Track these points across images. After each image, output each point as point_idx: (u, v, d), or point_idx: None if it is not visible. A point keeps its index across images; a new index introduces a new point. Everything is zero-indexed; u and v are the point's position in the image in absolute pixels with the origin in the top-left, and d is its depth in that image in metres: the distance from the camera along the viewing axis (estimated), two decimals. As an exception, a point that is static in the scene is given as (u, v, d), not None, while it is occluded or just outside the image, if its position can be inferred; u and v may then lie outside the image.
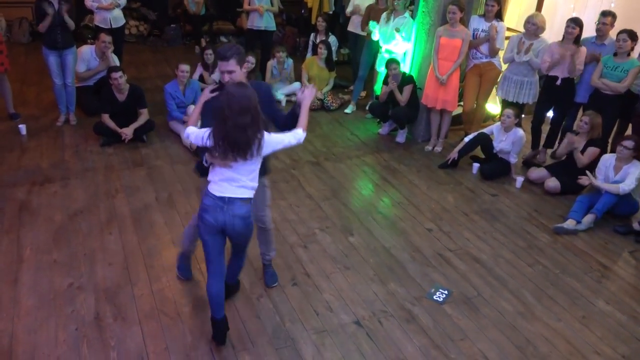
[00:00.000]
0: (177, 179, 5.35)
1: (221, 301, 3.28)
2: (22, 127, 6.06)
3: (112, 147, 5.91)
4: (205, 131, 2.98)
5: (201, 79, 7.06)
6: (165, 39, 10.31)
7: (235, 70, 3.17)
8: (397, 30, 6.50)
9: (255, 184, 3.13)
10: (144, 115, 6.06)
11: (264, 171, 3.30)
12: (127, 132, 5.88)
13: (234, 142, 2.89)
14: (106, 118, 5.90)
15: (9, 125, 6.22)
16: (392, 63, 6.35)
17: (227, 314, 3.61)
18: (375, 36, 6.83)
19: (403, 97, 6.38)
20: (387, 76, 6.51)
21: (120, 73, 5.80)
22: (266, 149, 3.02)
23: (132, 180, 5.27)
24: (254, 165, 3.07)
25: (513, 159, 5.77)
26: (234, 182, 3.04)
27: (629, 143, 4.95)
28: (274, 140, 3.06)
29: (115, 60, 6.69)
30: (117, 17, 7.15)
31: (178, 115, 6.20)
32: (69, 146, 5.89)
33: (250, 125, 2.88)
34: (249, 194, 3.11)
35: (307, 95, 3.22)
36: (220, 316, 3.31)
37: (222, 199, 3.05)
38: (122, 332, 3.42)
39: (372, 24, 6.89)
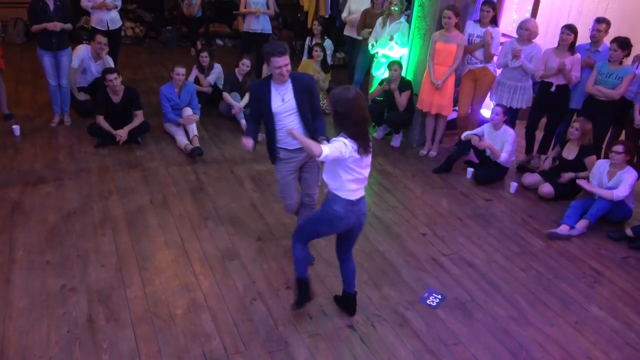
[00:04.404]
0: (171, 181, 5.34)
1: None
2: (16, 128, 6.03)
3: (106, 148, 5.89)
4: (342, 139, 3.13)
5: (196, 81, 7.05)
6: (161, 41, 10.30)
7: (289, 63, 3.57)
8: (391, 38, 6.51)
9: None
10: (138, 117, 6.05)
11: None
12: (122, 133, 5.87)
13: (365, 135, 3.16)
14: (101, 119, 5.88)
15: (2, 126, 6.19)
16: (394, 64, 6.33)
17: (221, 317, 3.61)
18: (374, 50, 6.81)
19: (402, 102, 6.38)
20: (383, 79, 6.50)
21: (115, 75, 5.79)
22: None
23: (126, 182, 5.26)
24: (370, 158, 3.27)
25: (504, 157, 5.71)
26: (361, 182, 3.27)
27: (618, 148, 4.98)
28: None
29: (110, 62, 6.68)
30: (114, 19, 7.15)
31: (173, 117, 6.19)
32: (63, 147, 5.87)
33: (366, 117, 3.20)
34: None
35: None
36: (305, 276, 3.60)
37: (351, 202, 3.25)
38: (115, 335, 3.40)
39: (375, 43, 6.84)
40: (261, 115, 3.82)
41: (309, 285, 3.60)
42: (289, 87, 3.72)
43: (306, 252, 3.72)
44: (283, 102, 3.71)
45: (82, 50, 6.54)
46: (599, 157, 5.54)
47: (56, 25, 5.80)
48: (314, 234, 3.53)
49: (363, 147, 3.14)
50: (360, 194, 3.29)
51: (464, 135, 5.92)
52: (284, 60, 3.53)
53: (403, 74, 6.58)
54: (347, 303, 3.73)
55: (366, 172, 3.26)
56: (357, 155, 3.13)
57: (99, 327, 3.46)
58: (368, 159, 3.24)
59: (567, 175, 5.39)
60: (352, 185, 3.22)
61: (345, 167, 3.17)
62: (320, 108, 3.86)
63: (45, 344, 3.29)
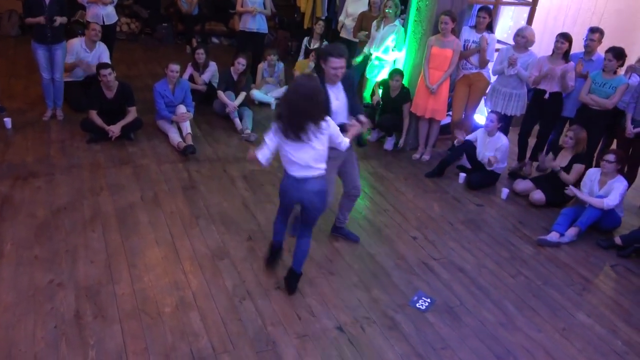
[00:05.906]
0: (163, 179, 5.32)
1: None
2: (8, 121, 5.99)
3: (98, 144, 5.86)
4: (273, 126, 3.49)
5: (191, 79, 7.03)
6: (157, 38, 10.27)
7: (345, 67, 3.78)
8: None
9: (322, 165, 3.54)
10: (132, 113, 6.02)
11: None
12: (114, 129, 5.84)
13: (295, 123, 3.35)
14: (94, 115, 5.85)
15: (-6, 119, 6.16)
16: (396, 74, 6.27)
17: (210, 316, 3.60)
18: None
19: (406, 116, 6.42)
20: (385, 85, 6.48)
21: (109, 70, 5.76)
22: (326, 137, 3.46)
23: (117, 178, 5.23)
24: (316, 149, 3.44)
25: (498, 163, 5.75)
26: (303, 163, 3.48)
27: (610, 157, 5.02)
28: (334, 132, 3.50)
29: (104, 50, 6.64)
30: (110, 14, 7.11)
31: (167, 114, 6.16)
32: (55, 142, 5.83)
33: (309, 112, 3.33)
34: (317, 172, 3.53)
35: (354, 129, 3.77)
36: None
37: (294, 178, 3.54)
38: (102, 331, 3.38)
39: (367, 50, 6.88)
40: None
41: (275, 249, 4.07)
42: (339, 86, 3.96)
43: (280, 223, 4.02)
44: (337, 100, 3.95)
45: (76, 45, 6.50)
46: (590, 166, 5.57)
47: (47, 20, 5.74)
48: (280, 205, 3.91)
49: (293, 132, 3.36)
50: (303, 174, 3.51)
51: (457, 140, 5.94)
52: (341, 63, 3.73)
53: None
54: (289, 279, 3.92)
55: (303, 159, 3.45)
56: (285, 139, 3.41)
57: (86, 323, 3.43)
58: (307, 147, 3.41)
59: (574, 190, 5.19)
60: (290, 166, 3.53)
61: (282, 148, 3.51)
62: (357, 94, 4.07)
63: (31, 339, 3.27)
